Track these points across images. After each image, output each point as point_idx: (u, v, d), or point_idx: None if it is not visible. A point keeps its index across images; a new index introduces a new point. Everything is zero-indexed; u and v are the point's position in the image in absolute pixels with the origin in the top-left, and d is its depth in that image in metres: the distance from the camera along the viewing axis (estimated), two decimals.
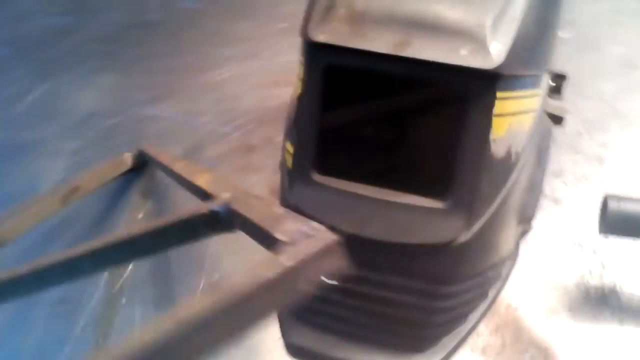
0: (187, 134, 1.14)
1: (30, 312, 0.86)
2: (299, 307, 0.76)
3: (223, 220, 0.48)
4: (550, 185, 0.90)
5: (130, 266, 0.91)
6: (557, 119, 0.85)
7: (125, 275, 0.90)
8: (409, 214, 0.65)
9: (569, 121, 0.87)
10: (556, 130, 0.97)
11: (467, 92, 0.60)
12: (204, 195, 0.58)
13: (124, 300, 0.86)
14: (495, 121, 0.61)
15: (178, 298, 0.88)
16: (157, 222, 0.48)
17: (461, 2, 0.61)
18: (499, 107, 0.61)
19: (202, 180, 0.59)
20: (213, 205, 0.47)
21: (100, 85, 1.32)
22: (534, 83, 0.67)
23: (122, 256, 0.51)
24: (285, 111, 1.02)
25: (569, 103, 0.91)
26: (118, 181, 1.04)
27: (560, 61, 0.82)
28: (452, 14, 0.61)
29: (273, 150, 1.05)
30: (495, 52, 0.58)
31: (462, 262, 0.67)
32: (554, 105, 0.86)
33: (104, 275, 0.90)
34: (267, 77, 1.23)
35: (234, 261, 0.88)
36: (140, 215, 1.00)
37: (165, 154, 0.92)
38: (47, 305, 0.86)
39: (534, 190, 0.81)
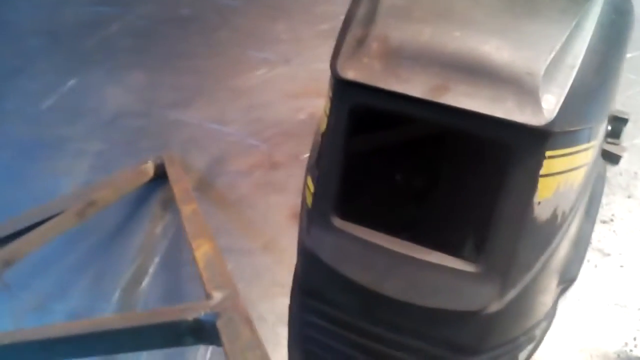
0: (212, 143, 1.10)
1: None
2: (312, 355, 0.71)
3: (206, 332, 0.43)
4: (598, 234, 0.81)
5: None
6: (613, 158, 0.76)
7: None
8: (435, 274, 0.58)
9: (624, 159, 0.78)
10: (609, 169, 0.88)
11: (511, 149, 0.52)
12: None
13: None
14: (542, 182, 0.54)
15: None
16: (141, 319, 0.44)
17: (511, 43, 0.53)
18: (547, 166, 0.53)
19: (200, 252, 0.55)
20: (199, 313, 0.42)
21: (128, 83, 1.29)
22: (589, 136, 0.59)
23: (100, 347, 0.47)
24: (313, 125, 0.96)
25: (626, 137, 0.82)
26: (138, 190, 1.01)
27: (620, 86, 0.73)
28: (499, 57, 0.53)
29: (298, 169, 0.99)
30: (547, 107, 0.50)
31: (491, 331, 0.60)
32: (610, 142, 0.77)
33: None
34: (299, 85, 1.17)
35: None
36: (158, 229, 0.97)
37: (180, 172, 0.88)
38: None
39: (580, 246, 0.73)
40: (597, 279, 0.78)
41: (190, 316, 0.43)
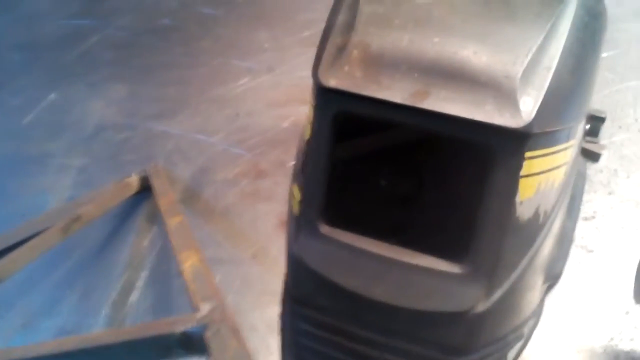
0: (197, 153, 1.10)
1: None
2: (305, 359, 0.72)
3: (195, 344, 0.43)
4: (581, 231, 0.83)
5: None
6: (592, 156, 0.78)
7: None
8: (422, 277, 0.59)
9: (604, 157, 0.79)
10: (590, 167, 0.90)
11: (491, 152, 0.53)
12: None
13: None
14: (523, 182, 0.55)
15: None
16: (130, 334, 0.44)
17: (489, 47, 0.54)
18: (527, 167, 0.54)
19: (187, 265, 0.55)
20: (186, 326, 0.42)
21: (110, 96, 1.28)
22: (568, 135, 0.60)
23: None
24: (298, 133, 0.96)
25: (604, 135, 0.83)
26: (124, 204, 1.01)
27: (596, 85, 0.75)
28: (478, 61, 0.54)
29: (284, 177, 0.99)
30: (525, 109, 0.52)
31: (479, 330, 0.61)
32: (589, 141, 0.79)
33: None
34: (283, 93, 1.17)
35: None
36: (145, 243, 0.96)
37: (165, 185, 0.87)
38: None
39: (564, 243, 0.74)
40: (581, 275, 0.79)
41: (178, 329, 0.43)
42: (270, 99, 1.17)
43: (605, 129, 0.78)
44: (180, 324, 0.44)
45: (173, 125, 1.18)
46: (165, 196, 0.82)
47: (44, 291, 0.90)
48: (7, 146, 1.20)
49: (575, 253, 0.81)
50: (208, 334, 0.42)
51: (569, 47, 0.55)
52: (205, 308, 0.44)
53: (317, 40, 0.63)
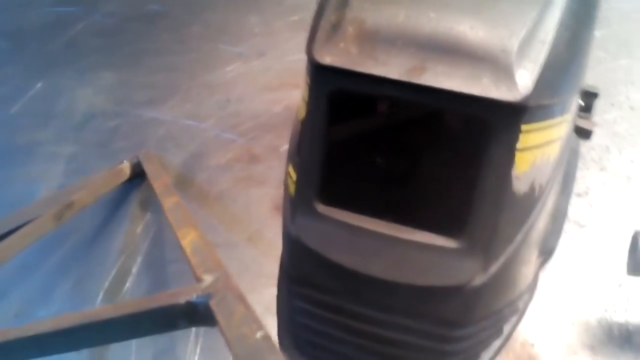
0: (189, 139, 1.09)
1: None
2: (302, 338, 0.72)
3: (200, 314, 0.43)
4: (574, 207, 0.84)
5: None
6: (585, 133, 0.79)
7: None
8: (420, 252, 0.59)
9: (596, 134, 0.80)
10: (582, 144, 0.91)
11: (488, 125, 0.53)
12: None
13: None
14: (519, 156, 0.55)
15: None
16: (133, 307, 0.44)
17: (485, 22, 0.54)
18: (523, 141, 0.55)
19: (187, 241, 0.55)
20: (191, 296, 0.42)
21: (99, 84, 1.26)
22: (563, 109, 0.61)
23: (93, 338, 0.47)
24: (291, 117, 0.96)
25: (597, 113, 0.84)
26: (116, 190, 1.00)
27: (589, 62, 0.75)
28: (474, 36, 0.54)
29: (277, 161, 0.99)
30: (521, 82, 0.52)
31: (476, 304, 0.62)
32: (582, 117, 0.79)
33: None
34: (274, 78, 1.17)
35: None
36: (139, 229, 0.96)
37: (159, 169, 0.87)
38: None
39: (558, 219, 0.75)
40: (575, 249, 0.80)
41: (182, 299, 0.43)
42: (262, 84, 1.16)
43: (598, 107, 0.79)
44: (184, 295, 0.43)
45: (164, 112, 1.17)
46: (159, 179, 0.81)
47: (37, 279, 0.89)
48: None
49: (568, 228, 0.82)
50: (213, 302, 0.42)
51: (563, 21, 0.55)
52: (208, 279, 0.44)
53: (307, 24, 0.63)
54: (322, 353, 0.70)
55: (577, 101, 0.70)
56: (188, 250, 0.55)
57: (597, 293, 0.75)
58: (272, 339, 0.43)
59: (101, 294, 0.87)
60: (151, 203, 0.99)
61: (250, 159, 1.02)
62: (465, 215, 0.57)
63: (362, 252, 0.61)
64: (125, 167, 0.99)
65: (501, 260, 0.60)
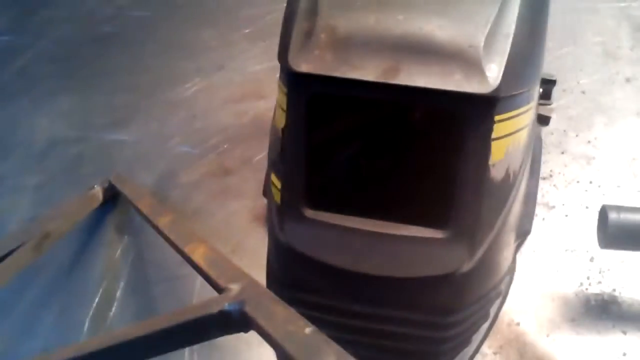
0: (157, 159, 1.08)
1: None
2: None
3: (235, 321, 0.43)
4: (541, 190, 0.88)
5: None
6: (543, 120, 0.83)
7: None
8: (408, 245, 0.61)
9: (553, 119, 0.85)
10: (542, 130, 0.95)
11: (463, 119, 0.56)
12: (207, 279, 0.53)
13: None
14: (494, 145, 0.58)
15: None
16: (164, 322, 0.44)
17: (452, 20, 0.57)
18: (497, 130, 0.58)
19: (198, 255, 0.55)
20: (222, 305, 0.43)
21: (57, 110, 1.23)
22: (528, 98, 0.65)
23: (128, 358, 0.46)
24: (259, 128, 0.96)
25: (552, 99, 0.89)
26: (89, 217, 0.98)
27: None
28: (443, 35, 0.57)
29: (250, 172, 1.00)
30: (491, 75, 0.55)
31: (465, 290, 0.64)
32: (542, 104, 0.84)
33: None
34: (236, 90, 1.17)
35: None
36: (117, 253, 0.94)
37: (137, 190, 0.86)
38: None
39: (530, 202, 0.79)
40: (546, 230, 0.84)
41: (215, 309, 0.43)
42: (225, 97, 1.16)
43: (554, 92, 0.84)
44: (215, 305, 0.43)
45: (128, 134, 1.15)
46: (142, 200, 0.80)
47: (19, 314, 0.86)
48: None
49: (538, 210, 0.86)
50: (249, 308, 0.42)
51: (522, 14, 0.59)
52: (235, 287, 0.44)
53: (262, 35, 0.64)
54: None
55: (539, 89, 0.74)
56: (202, 263, 0.55)
57: (572, 269, 0.79)
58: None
59: (87, 322, 0.85)
60: (127, 226, 0.98)
61: (224, 173, 1.02)
62: (449, 206, 0.60)
63: (353, 251, 0.63)
64: (97, 192, 0.97)
65: (485, 246, 0.63)
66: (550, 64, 0.88)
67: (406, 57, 0.57)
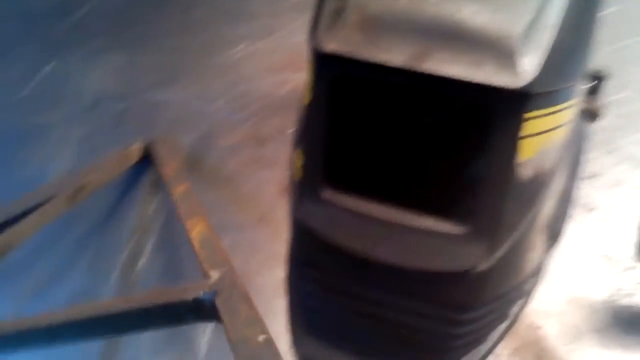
0: (198, 121, 1.10)
1: None
2: (312, 320, 0.73)
3: (207, 310, 0.44)
4: (583, 190, 0.83)
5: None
6: (591, 116, 0.78)
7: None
8: (424, 238, 0.60)
9: (606, 115, 0.79)
10: (591, 125, 0.89)
11: (490, 113, 0.53)
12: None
13: None
14: (523, 143, 0.55)
15: None
16: (141, 301, 0.45)
17: (488, 7, 0.54)
18: (527, 128, 0.54)
19: (195, 232, 0.55)
20: (198, 293, 0.43)
21: (107, 66, 1.27)
22: (570, 94, 0.60)
23: (101, 331, 0.48)
24: (295, 99, 0.95)
25: (605, 94, 0.83)
26: (127, 173, 1.01)
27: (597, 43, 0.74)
28: (476, 21, 0.53)
29: (285, 143, 0.99)
30: (524, 68, 0.51)
31: (482, 288, 0.62)
32: (589, 100, 0.78)
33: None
34: (281, 58, 1.16)
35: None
36: (150, 211, 0.97)
37: (170, 152, 0.88)
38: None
39: (565, 202, 0.74)
40: (583, 233, 0.80)
41: (189, 296, 0.44)
42: (269, 65, 1.16)
43: (606, 88, 0.78)
44: (191, 291, 0.44)
45: (172, 94, 1.17)
46: (168, 165, 0.82)
47: (54, 258, 0.91)
48: (7, 118, 1.20)
49: (576, 212, 0.82)
50: (219, 300, 0.43)
51: (569, 4, 0.54)
52: (215, 275, 0.45)
53: (311, 4, 0.62)
54: (330, 334, 0.72)
55: (585, 84, 0.69)
56: (196, 242, 0.56)
57: (605, 277, 0.75)
58: (275, 340, 0.44)
59: (115, 272, 0.89)
60: (161, 185, 1.00)
61: (259, 141, 1.02)
62: (470, 203, 0.57)
63: (367, 236, 0.62)
64: (135, 150, 1.00)
65: (506, 246, 0.60)
66: (608, 56, 0.82)
67: (436, 43, 0.54)
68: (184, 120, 1.11)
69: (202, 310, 0.44)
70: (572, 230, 0.80)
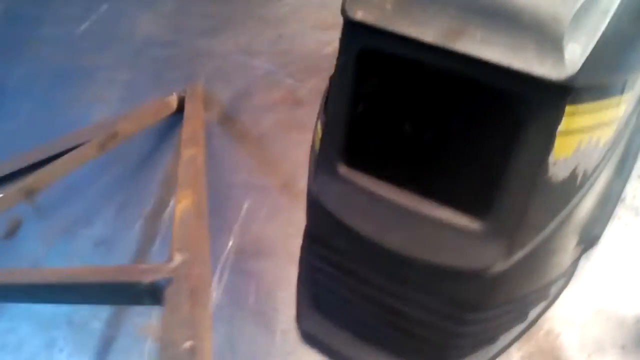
0: (238, 75, 1.07)
1: None
2: (318, 296, 0.72)
3: (160, 296, 0.42)
4: (634, 190, 0.76)
5: None
6: None
7: None
8: (439, 230, 0.56)
9: None
10: None
11: (528, 104, 0.48)
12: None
13: None
14: (560, 140, 0.49)
15: None
16: (103, 276, 0.44)
17: None
18: (566, 123, 0.48)
19: (180, 206, 0.54)
20: (155, 276, 0.42)
21: (159, 10, 1.26)
22: (623, 88, 0.53)
23: (66, 297, 0.48)
24: None
25: None
26: (163, 122, 1.01)
27: None
28: None
29: (319, 107, 0.96)
30: (571, 58, 0.45)
31: (496, 290, 0.58)
32: None
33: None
34: (329, 15, 1.11)
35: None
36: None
37: (202, 106, 0.86)
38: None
39: (607, 204, 0.68)
40: (626, 238, 0.73)
41: (146, 279, 0.43)
42: (315, 21, 1.11)
43: None
44: (151, 274, 0.44)
45: (217, 44, 1.15)
46: (191, 122, 0.81)
47: (83, 202, 0.94)
48: (59, 56, 1.22)
49: (623, 214, 0.75)
50: (169, 290, 0.42)
51: None
52: (177, 259, 0.44)
53: None
54: (334, 313, 0.70)
55: None
56: (177, 217, 0.55)
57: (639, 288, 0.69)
58: (205, 349, 0.41)
59: (140, 221, 0.91)
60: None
61: (295, 102, 0.99)
62: (492, 197, 0.53)
63: (379, 220, 0.59)
64: (172, 100, 1.00)
65: (528, 248, 0.55)
66: None
67: (474, 20, 0.48)
68: (225, 73, 1.09)
69: (157, 295, 0.43)
70: (615, 233, 0.73)
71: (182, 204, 0.56)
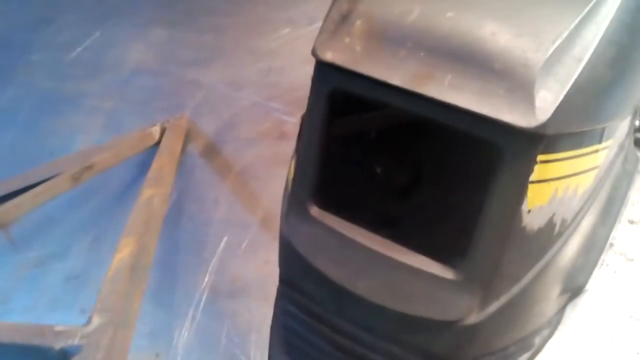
0: (225, 106, 1.07)
1: None
2: (288, 340, 0.69)
3: None
4: (623, 236, 0.73)
5: None
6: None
7: None
8: (411, 277, 0.53)
9: None
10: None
11: (498, 151, 0.46)
12: None
13: None
14: (533, 188, 0.47)
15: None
16: (13, 335, 0.42)
17: (510, 28, 0.46)
18: (540, 172, 0.46)
19: (119, 256, 0.51)
20: (67, 342, 0.39)
21: (150, 39, 1.26)
22: (601, 136, 0.51)
23: None
24: None
25: None
26: (143, 154, 1.00)
27: None
28: (494, 44, 0.45)
29: None
30: (541, 105, 0.43)
31: (470, 342, 0.55)
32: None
33: None
34: None
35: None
36: None
37: (181, 140, 0.85)
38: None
39: (592, 251, 0.65)
40: (615, 286, 0.70)
41: (58, 344, 0.40)
42: (306, 55, 1.08)
43: None
44: (63, 338, 0.41)
45: (205, 75, 1.14)
46: (161, 159, 0.79)
47: (58, 233, 0.92)
48: (47, 82, 1.22)
49: (612, 260, 0.72)
50: (77, 359, 0.40)
51: (611, 34, 0.45)
52: (95, 322, 0.42)
53: None
54: (303, 358, 0.67)
55: (631, 122, 0.59)
56: (110, 272, 0.52)
57: (629, 339, 0.66)
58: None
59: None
60: (178, 167, 0.98)
61: (280, 135, 0.98)
62: (465, 245, 0.50)
63: (350, 265, 0.56)
64: (155, 131, 0.98)
65: (504, 299, 0.53)
66: None
67: (444, 63, 0.46)
68: (212, 104, 1.09)
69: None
70: (603, 280, 0.70)
71: (120, 255, 0.54)
